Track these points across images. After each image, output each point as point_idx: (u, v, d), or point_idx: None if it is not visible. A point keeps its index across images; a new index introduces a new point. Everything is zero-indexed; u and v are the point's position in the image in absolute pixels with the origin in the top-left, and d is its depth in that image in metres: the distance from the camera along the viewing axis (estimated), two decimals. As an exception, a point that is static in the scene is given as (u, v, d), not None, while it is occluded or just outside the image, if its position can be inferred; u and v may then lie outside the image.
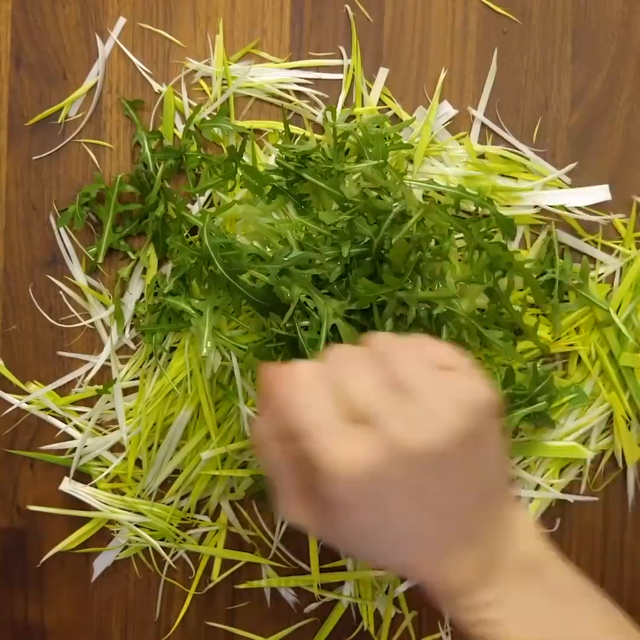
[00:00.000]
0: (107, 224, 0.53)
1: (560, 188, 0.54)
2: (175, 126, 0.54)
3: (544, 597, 0.34)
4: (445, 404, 0.31)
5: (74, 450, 0.55)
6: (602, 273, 0.54)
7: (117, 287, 0.54)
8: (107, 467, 0.54)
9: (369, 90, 0.54)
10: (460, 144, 0.54)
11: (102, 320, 0.55)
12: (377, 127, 0.52)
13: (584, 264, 0.53)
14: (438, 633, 0.55)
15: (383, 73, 0.54)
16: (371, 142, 0.51)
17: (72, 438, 0.55)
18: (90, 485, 0.55)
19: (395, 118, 0.55)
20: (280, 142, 0.53)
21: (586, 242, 0.54)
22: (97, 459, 0.55)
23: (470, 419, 0.31)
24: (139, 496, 0.55)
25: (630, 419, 0.53)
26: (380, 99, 0.54)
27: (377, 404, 0.31)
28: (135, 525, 0.54)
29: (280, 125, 0.54)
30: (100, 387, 0.54)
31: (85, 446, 0.55)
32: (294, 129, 0.54)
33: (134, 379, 0.55)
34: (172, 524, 0.54)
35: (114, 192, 0.53)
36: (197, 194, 0.54)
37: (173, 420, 0.53)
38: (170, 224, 0.53)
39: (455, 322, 0.47)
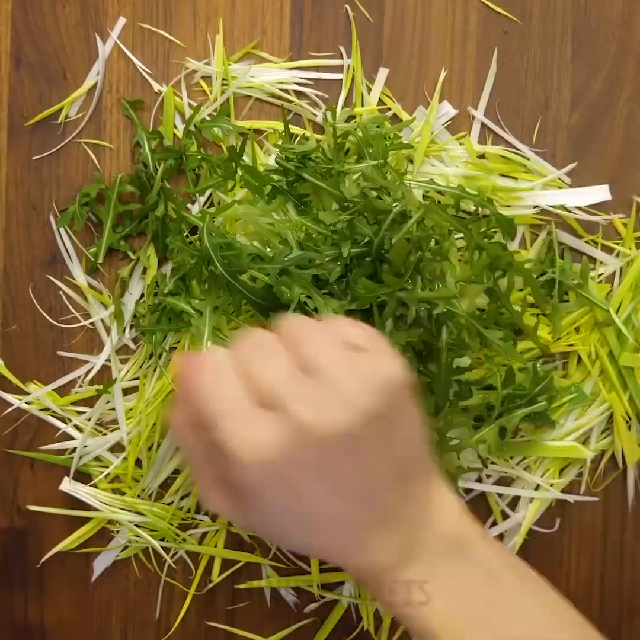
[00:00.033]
0: (107, 224, 0.53)
1: (560, 188, 0.54)
2: (175, 126, 0.55)
3: (469, 575, 0.34)
4: (354, 384, 0.30)
5: (74, 450, 0.55)
6: (602, 273, 0.54)
7: (117, 287, 0.54)
8: (107, 467, 0.54)
9: (369, 90, 0.54)
10: (460, 144, 0.54)
11: (102, 320, 0.55)
12: (377, 127, 0.52)
13: (584, 264, 0.53)
14: (438, 633, 0.55)
15: (383, 73, 0.54)
16: (371, 142, 0.51)
17: (72, 438, 0.55)
18: (90, 485, 0.55)
19: (395, 118, 0.55)
20: (280, 142, 0.53)
21: (586, 242, 0.54)
22: (97, 459, 0.55)
23: (380, 399, 0.31)
24: (139, 496, 0.55)
25: (630, 419, 0.53)
26: (380, 99, 0.54)
27: (283, 387, 0.31)
28: (135, 525, 0.54)
29: (280, 125, 0.54)
30: (100, 387, 0.54)
31: (85, 446, 0.55)
32: (294, 129, 0.54)
33: (134, 379, 0.55)
34: (172, 524, 0.54)
35: (114, 192, 0.53)
36: (197, 194, 0.54)
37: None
38: (170, 224, 0.53)
39: (455, 322, 0.47)
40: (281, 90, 0.54)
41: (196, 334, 0.51)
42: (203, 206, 0.54)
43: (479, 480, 0.54)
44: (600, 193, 0.54)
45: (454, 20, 0.55)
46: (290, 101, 0.54)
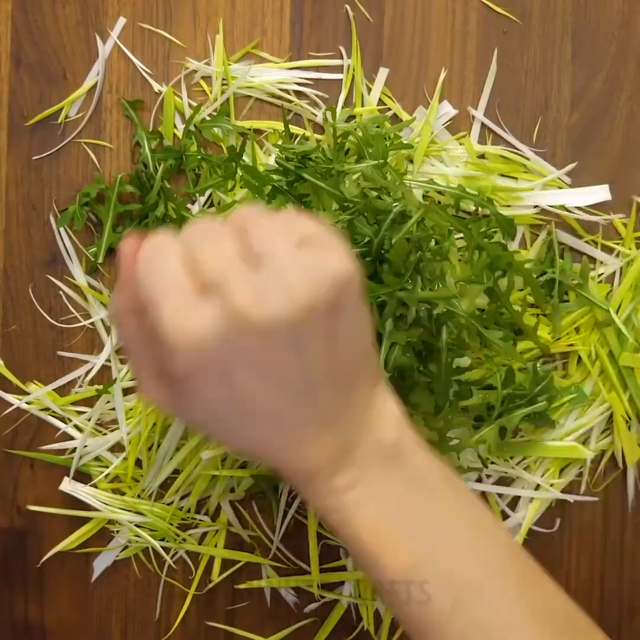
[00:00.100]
0: (107, 224, 0.53)
1: (560, 188, 0.54)
2: (175, 126, 0.55)
3: (403, 484, 0.33)
4: (299, 276, 0.29)
5: (74, 450, 0.55)
6: (602, 273, 0.54)
7: (117, 287, 0.54)
8: (107, 467, 0.54)
9: (369, 90, 0.54)
10: (460, 144, 0.54)
11: (102, 320, 0.55)
12: (377, 127, 0.52)
13: (584, 264, 0.53)
14: (438, 633, 0.55)
15: (383, 73, 0.54)
16: (371, 142, 0.51)
17: (72, 438, 0.55)
18: (90, 485, 0.55)
19: (395, 118, 0.55)
20: (280, 142, 0.53)
21: (586, 242, 0.54)
22: (97, 459, 0.55)
23: (326, 294, 0.29)
24: (139, 496, 0.55)
25: (630, 419, 0.53)
26: (380, 99, 0.54)
27: (225, 272, 0.29)
28: (135, 525, 0.54)
29: (280, 125, 0.54)
30: (100, 387, 0.54)
31: (85, 446, 0.55)
32: (294, 129, 0.54)
33: (134, 379, 0.55)
34: (172, 524, 0.54)
35: (114, 192, 0.53)
36: (197, 194, 0.54)
37: (173, 420, 0.53)
38: (170, 224, 0.53)
39: (455, 322, 0.47)
40: (281, 90, 0.54)
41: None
42: (203, 206, 0.54)
43: (479, 480, 0.54)
44: (600, 193, 0.54)
45: (454, 20, 0.55)
46: (290, 101, 0.54)
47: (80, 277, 0.55)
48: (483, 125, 0.55)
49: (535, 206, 0.53)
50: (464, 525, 0.34)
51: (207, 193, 0.54)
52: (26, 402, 0.55)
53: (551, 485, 0.53)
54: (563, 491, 0.54)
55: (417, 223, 0.47)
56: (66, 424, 0.55)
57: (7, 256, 0.55)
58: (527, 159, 0.54)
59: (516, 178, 0.54)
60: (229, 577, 0.55)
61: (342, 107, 0.54)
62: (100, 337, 0.55)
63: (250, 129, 0.54)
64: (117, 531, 0.55)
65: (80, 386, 0.55)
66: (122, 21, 0.55)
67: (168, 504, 0.54)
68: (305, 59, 0.55)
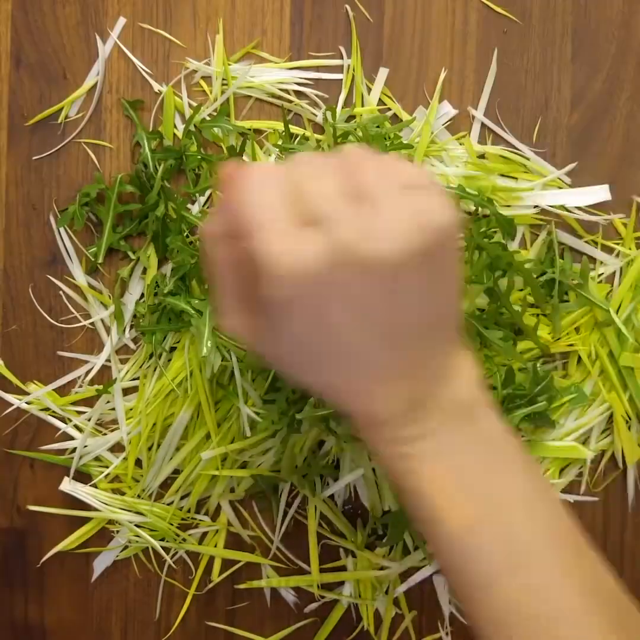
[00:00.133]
0: (107, 224, 0.53)
1: (560, 188, 0.54)
2: (175, 126, 0.55)
3: (471, 442, 0.33)
4: (405, 219, 0.29)
5: (74, 450, 0.55)
6: (602, 273, 0.54)
7: (117, 287, 0.55)
8: (107, 467, 0.54)
9: (369, 90, 0.54)
10: (460, 144, 0.54)
11: (102, 320, 0.55)
12: (377, 127, 0.52)
13: (584, 264, 0.53)
14: (438, 633, 0.55)
15: (383, 73, 0.54)
16: (371, 142, 0.51)
17: (72, 438, 0.55)
18: (90, 485, 0.55)
19: (395, 118, 0.55)
20: (280, 142, 0.53)
21: (586, 242, 0.54)
22: (97, 459, 0.55)
23: (429, 239, 0.29)
24: (139, 496, 0.55)
25: (630, 419, 0.53)
26: (380, 99, 0.54)
27: (331, 206, 0.29)
28: (135, 525, 0.54)
29: (280, 125, 0.54)
30: (100, 387, 0.54)
31: (85, 446, 0.55)
32: (294, 129, 0.54)
33: (134, 379, 0.55)
34: (172, 524, 0.54)
35: (114, 192, 0.53)
36: (197, 194, 0.54)
37: (173, 420, 0.53)
38: (170, 224, 0.53)
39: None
40: (281, 90, 0.54)
41: (196, 334, 0.51)
42: (203, 206, 0.54)
43: (479, 480, 0.54)
44: (600, 193, 0.54)
45: (454, 20, 0.55)
46: (290, 101, 0.54)
47: (80, 277, 0.55)
48: (483, 125, 0.55)
49: (535, 206, 0.53)
50: (526, 492, 0.34)
51: (207, 193, 0.54)
52: (26, 402, 0.55)
53: (551, 485, 0.54)
54: (563, 491, 0.54)
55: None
56: (66, 424, 0.55)
57: (7, 256, 0.55)
58: (527, 159, 0.54)
59: (516, 178, 0.54)
60: (229, 577, 0.55)
61: (342, 107, 0.54)
62: (100, 337, 0.55)
63: (250, 129, 0.54)
64: (117, 531, 0.55)
65: (80, 386, 0.55)
66: (122, 21, 0.55)
67: (168, 504, 0.54)
68: (305, 59, 0.55)
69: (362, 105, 0.54)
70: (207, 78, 0.55)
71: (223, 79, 0.54)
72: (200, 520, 0.55)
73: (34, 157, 0.55)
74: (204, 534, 0.55)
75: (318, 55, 0.55)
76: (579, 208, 0.54)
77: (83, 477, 0.55)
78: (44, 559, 0.55)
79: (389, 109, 0.54)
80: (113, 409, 0.55)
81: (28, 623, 0.56)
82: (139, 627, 0.56)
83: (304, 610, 0.55)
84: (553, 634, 0.32)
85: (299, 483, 0.53)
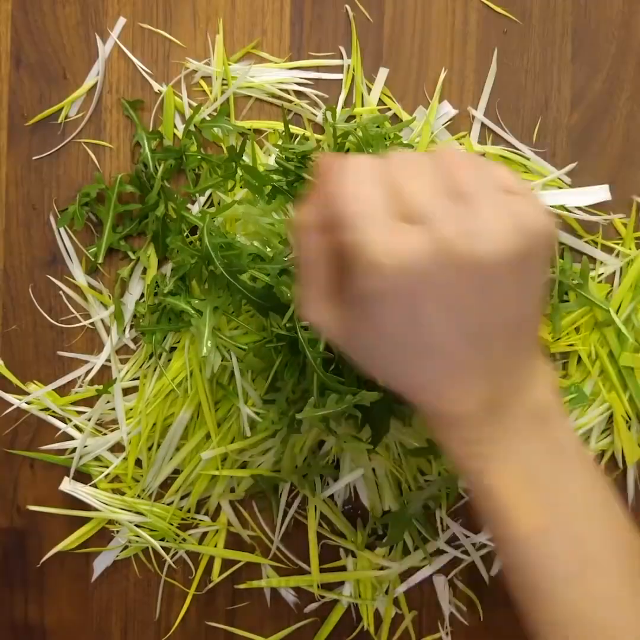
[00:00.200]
0: (107, 224, 0.53)
1: (560, 188, 0.54)
2: (175, 126, 0.55)
3: (545, 447, 0.34)
4: (505, 221, 0.29)
5: (74, 450, 0.55)
6: (602, 273, 0.54)
7: (117, 287, 0.55)
8: (107, 467, 0.54)
9: (369, 90, 0.54)
10: (460, 144, 0.54)
11: (102, 320, 0.55)
12: (377, 127, 0.52)
13: (584, 264, 0.53)
14: (438, 633, 0.55)
15: (383, 73, 0.54)
16: (371, 142, 0.51)
17: (72, 438, 0.55)
18: (90, 485, 0.55)
19: (395, 118, 0.55)
20: (280, 142, 0.53)
21: (586, 242, 0.54)
22: (97, 459, 0.55)
23: (526, 243, 0.29)
24: (139, 496, 0.55)
25: (630, 419, 0.53)
26: (380, 99, 0.54)
27: (432, 204, 0.29)
28: (135, 525, 0.54)
29: (280, 125, 0.54)
30: (100, 387, 0.54)
31: (85, 446, 0.55)
32: (294, 129, 0.54)
33: (134, 379, 0.55)
34: (172, 524, 0.54)
35: (114, 192, 0.53)
36: (197, 194, 0.54)
37: (173, 420, 0.53)
38: (170, 224, 0.53)
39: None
40: (281, 90, 0.54)
41: (196, 334, 0.51)
42: (203, 206, 0.54)
43: (479, 480, 0.54)
44: (600, 193, 0.54)
45: (454, 20, 0.55)
46: (290, 101, 0.54)
47: (80, 277, 0.55)
48: (483, 125, 0.55)
49: (535, 206, 0.53)
50: (595, 502, 0.35)
51: (207, 193, 0.54)
52: (26, 402, 0.55)
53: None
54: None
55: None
56: (66, 424, 0.55)
57: (7, 256, 0.55)
58: (527, 159, 0.54)
59: (516, 178, 0.54)
60: (229, 577, 0.55)
61: (342, 107, 0.54)
62: (100, 337, 0.55)
63: (250, 129, 0.54)
64: (117, 531, 0.55)
65: (80, 386, 0.55)
66: (122, 21, 0.55)
67: (168, 504, 0.54)
68: (305, 59, 0.55)
69: (362, 105, 0.54)
70: (207, 78, 0.55)
71: (223, 79, 0.54)
72: (200, 520, 0.55)
73: (34, 157, 0.55)
74: (204, 534, 0.55)
75: (318, 55, 0.55)
76: (579, 208, 0.54)
77: (83, 477, 0.55)
78: (44, 559, 0.55)
79: (389, 109, 0.54)
80: (113, 409, 0.55)
81: (28, 623, 0.56)
82: (139, 627, 0.56)
83: (304, 610, 0.55)
84: None
85: (299, 483, 0.53)
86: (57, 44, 0.55)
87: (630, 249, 0.54)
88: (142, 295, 0.54)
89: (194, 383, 0.52)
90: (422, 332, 0.31)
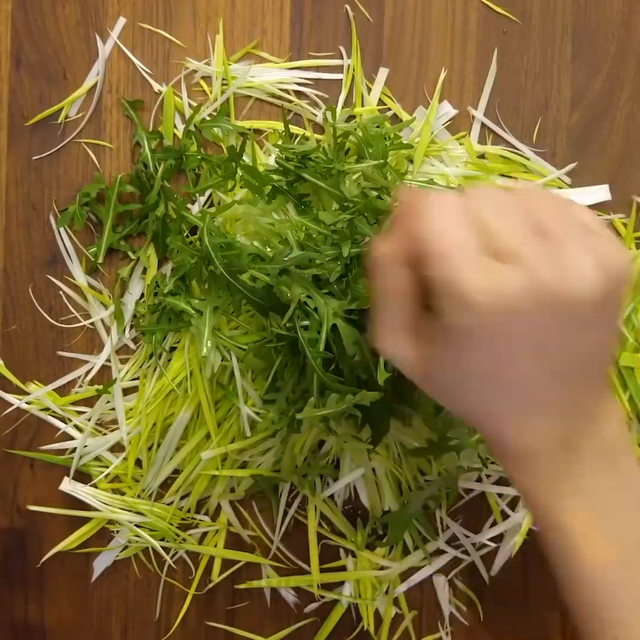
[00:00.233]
0: (107, 224, 0.53)
1: (560, 188, 0.54)
2: (175, 126, 0.55)
3: (616, 483, 0.34)
4: (592, 260, 0.30)
5: (74, 450, 0.55)
6: (602, 273, 0.54)
7: (117, 287, 0.55)
8: (107, 467, 0.54)
9: (369, 90, 0.54)
10: (460, 144, 0.54)
11: (102, 320, 0.55)
12: (377, 127, 0.52)
13: (584, 264, 0.53)
14: (438, 633, 0.55)
15: (383, 73, 0.54)
16: (371, 142, 0.51)
17: (72, 438, 0.55)
18: (90, 485, 0.55)
19: (395, 118, 0.55)
20: (280, 142, 0.53)
21: (586, 242, 0.54)
22: (97, 459, 0.55)
23: (611, 281, 0.30)
24: (139, 496, 0.55)
25: (630, 419, 0.53)
26: (380, 99, 0.54)
27: (523, 243, 0.30)
28: (135, 525, 0.54)
29: (280, 125, 0.54)
30: (100, 387, 0.54)
31: (85, 446, 0.55)
32: (294, 129, 0.54)
33: (134, 379, 0.55)
34: (172, 524, 0.54)
35: (114, 192, 0.53)
36: (197, 194, 0.54)
37: (173, 420, 0.53)
38: (170, 224, 0.53)
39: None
40: (281, 90, 0.54)
41: (196, 334, 0.51)
42: (203, 206, 0.54)
43: (479, 480, 0.54)
44: (600, 193, 0.54)
45: (454, 20, 0.55)
46: (290, 101, 0.54)
47: (80, 277, 0.55)
48: (483, 125, 0.55)
49: (535, 206, 0.53)
50: None
51: (207, 193, 0.54)
52: (26, 402, 0.55)
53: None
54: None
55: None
56: (66, 424, 0.55)
57: (7, 256, 0.55)
58: (527, 159, 0.54)
59: (516, 178, 0.54)
60: (229, 577, 0.55)
61: (342, 107, 0.54)
62: (100, 337, 0.55)
63: (250, 129, 0.54)
64: (117, 531, 0.55)
65: (80, 386, 0.55)
66: (122, 21, 0.55)
67: (168, 504, 0.54)
68: (305, 59, 0.55)
69: (362, 105, 0.54)
70: (207, 78, 0.55)
71: (223, 79, 0.54)
72: (200, 520, 0.55)
73: (34, 157, 0.55)
74: (204, 534, 0.55)
75: (318, 55, 0.55)
76: (579, 208, 0.54)
77: (83, 477, 0.55)
78: (44, 559, 0.55)
79: (389, 109, 0.54)
80: (113, 409, 0.55)
81: (28, 623, 0.56)
82: (139, 627, 0.56)
83: (304, 610, 0.55)
84: None
85: (299, 483, 0.53)
86: (57, 44, 0.55)
87: (630, 249, 0.54)
88: (142, 295, 0.54)
89: (194, 383, 0.52)
90: (509, 368, 0.31)
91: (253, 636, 0.55)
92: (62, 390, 0.55)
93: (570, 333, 0.30)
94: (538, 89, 0.55)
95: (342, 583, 0.54)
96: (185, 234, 0.53)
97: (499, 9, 0.54)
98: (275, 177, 0.51)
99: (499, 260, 0.30)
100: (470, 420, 0.35)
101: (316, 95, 0.54)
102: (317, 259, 0.48)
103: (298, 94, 0.54)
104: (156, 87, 0.55)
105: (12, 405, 0.55)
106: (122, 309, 0.54)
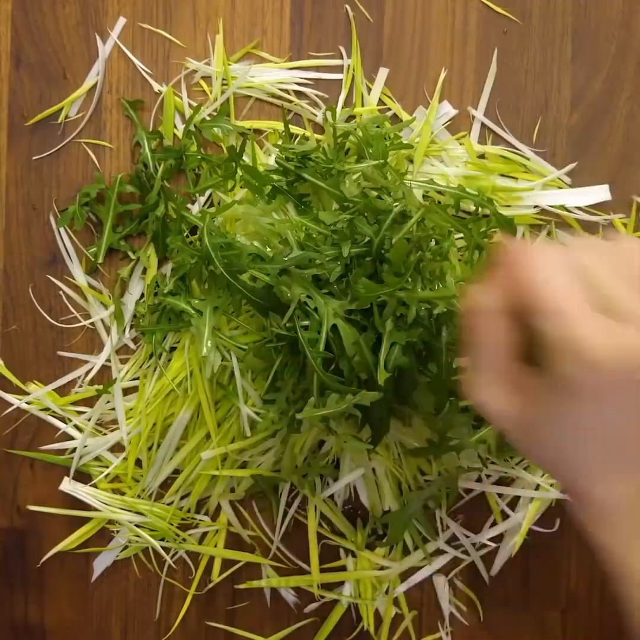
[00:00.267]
0: (107, 224, 0.53)
1: (560, 188, 0.54)
2: (175, 126, 0.55)
3: None
4: None
5: (74, 450, 0.55)
6: (602, 273, 0.54)
7: (117, 287, 0.55)
8: (107, 467, 0.54)
9: (369, 90, 0.54)
10: (460, 144, 0.54)
11: (102, 320, 0.55)
12: (377, 127, 0.52)
13: (584, 264, 0.53)
14: (438, 633, 0.55)
15: (383, 73, 0.54)
16: (371, 142, 0.51)
17: (72, 438, 0.55)
18: (90, 485, 0.55)
19: (395, 118, 0.55)
20: (280, 142, 0.53)
21: (586, 242, 0.54)
22: (97, 459, 0.55)
23: None
24: (139, 496, 0.55)
25: None
26: (380, 99, 0.54)
27: (633, 300, 0.29)
28: (135, 525, 0.54)
29: (280, 125, 0.54)
30: (100, 387, 0.54)
31: (85, 446, 0.55)
32: (294, 129, 0.54)
33: (134, 379, 0.55)
34: (172, 524, 0.54)
35: (114, 192, 0.53)
36: (197, 194, 0.54)
37: (173, 420, 0.53)
38: (170, 224, 0.53)
39: (455, 322, 0.47)
40: (281, 90, 0.54)
41: (196, 334, 0.51)
42: (203, 206, 0.54)
43: (479, 480, 0.54)
44: (600, 193, 0.54)
45: (454, 20, 0.55)
46: (290, 101, 0.54)
47: (80, 277, 0.55)
48: (483, 125, 0.55)
49: (535, 206, 0.53)
50: None
51: (207, 193, 0.54)
52: (26, 402, 0.55)
53: (551, 485, 0.53)
54: (563, 491, 0.54)
55: (417, 223, 0.47)
56: (66, 424, 0.55)
57: (7, 256, 0.55)
58: (527, 159, 0.54)
59: (516, 178, 0.54)
60: (229, 577, 0.55)
61: (342, 107, 0.54)
62: (100, 337, 0.55)
63: (250, 129, 0.54)
64: (117, 531, 0.55)
65: (80, 386, 0.55)
66: (122, 21, 0.55)
67: (168, 504, 0.54)
68: (305, 59, 0.55)
69: (362, 105, 0.54)
70: (207, 78, 0.55)
71: (223, 79, 0.54)
72: (200, 520, 0.55)
73: (34, 157, 0.55)
74: (204, 534, 0.55)
75: (318, 55, 0.55)
76: (579, 208, 0.54)
77: (83, 477, 0.55)
78: (44, 559, 0.55)
79: (389, 109, 0.54)
80: (113, 409, 0.55)
81: (28, 623, 0.56)
82: (139, 627, 0.56)
83: (304, 610, 0.55)
84: None
85: (299, 483, 0.53)
86: (57, 44, 0.55)
87: (630, 249, 0.54)
88: (142, 295, 0.54)
89: (194, 383, 0.52)
90: (614, 427, 0.31)
91: (253, 636, 0.55)
92: (62, 390, 0.55)
93: None
94: (538, 89, 0.55)
95: (342, 583, 0.54)
96: (185, 234, 0.53)
97: (499, 9, 0.55)
98: (275, 177, 0.51)
99: (610, 316, 0.29)
100: (557, 474, 0.35)
101: (316, 95, 0.54)
102: (317, 259, 0.48)
103: (298, 94, 0.54)
104: (156, 87, 0.55)
105: (12, 405, 0.55)
106: (122, 309, 0.54)
